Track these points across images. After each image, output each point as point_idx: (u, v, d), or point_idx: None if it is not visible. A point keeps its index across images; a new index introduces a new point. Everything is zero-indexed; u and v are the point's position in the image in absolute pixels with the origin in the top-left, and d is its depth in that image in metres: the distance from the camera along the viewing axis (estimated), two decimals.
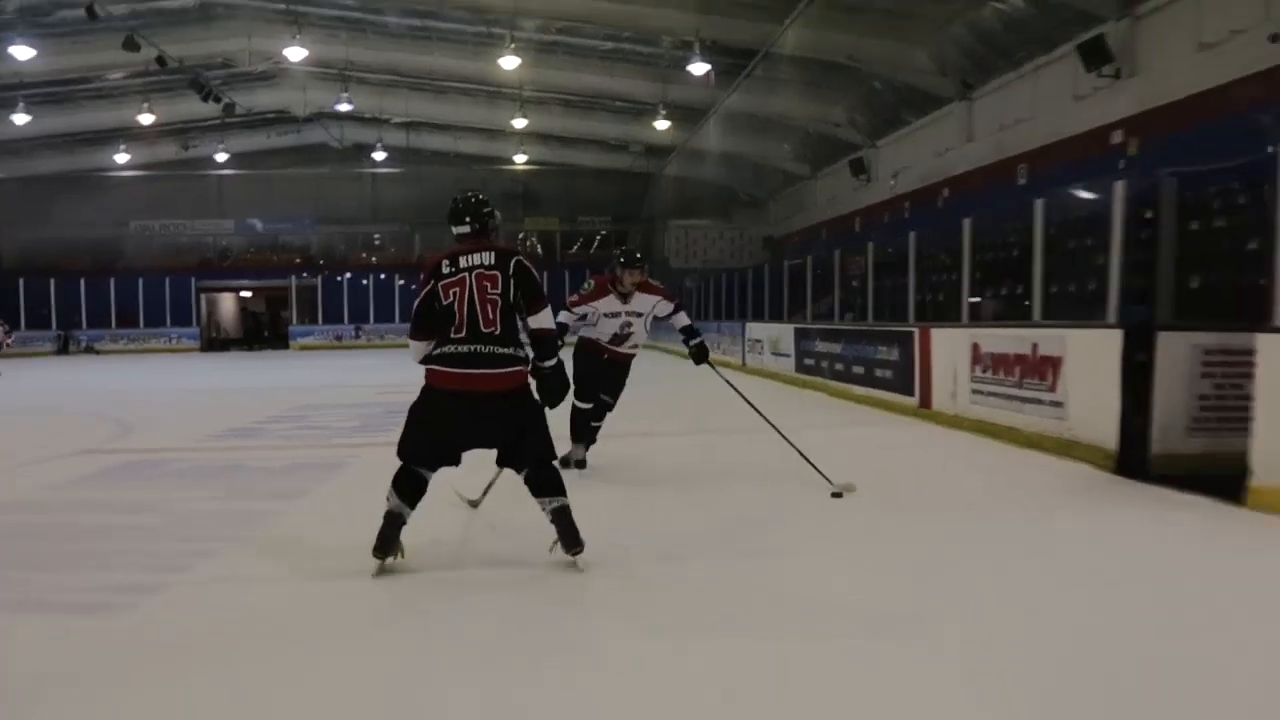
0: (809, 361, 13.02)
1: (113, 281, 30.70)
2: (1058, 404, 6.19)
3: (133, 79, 23.53)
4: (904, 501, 5.28)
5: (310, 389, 14.92)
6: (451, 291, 3.88)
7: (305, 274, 32.36)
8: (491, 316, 3.86)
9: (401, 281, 31.70)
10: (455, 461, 4.03)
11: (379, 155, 31.15)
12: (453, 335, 3.87)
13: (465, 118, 28.10)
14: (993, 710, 2.56)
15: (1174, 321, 5.64)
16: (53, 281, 30.16)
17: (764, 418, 5.89)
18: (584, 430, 6.10)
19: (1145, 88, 13.00)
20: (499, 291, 3.87)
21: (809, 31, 16.87)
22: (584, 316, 5.98)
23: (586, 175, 33.07)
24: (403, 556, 3.94)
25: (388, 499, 3.91)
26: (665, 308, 6.07)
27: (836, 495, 5.16)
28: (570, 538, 3.89)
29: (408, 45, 22.13)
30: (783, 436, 5.74)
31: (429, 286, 3.94)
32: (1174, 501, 5.00)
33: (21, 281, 30.00)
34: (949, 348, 8.00)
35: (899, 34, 16.68)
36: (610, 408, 6.27)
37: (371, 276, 32.64)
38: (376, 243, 36.14)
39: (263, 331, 35.51)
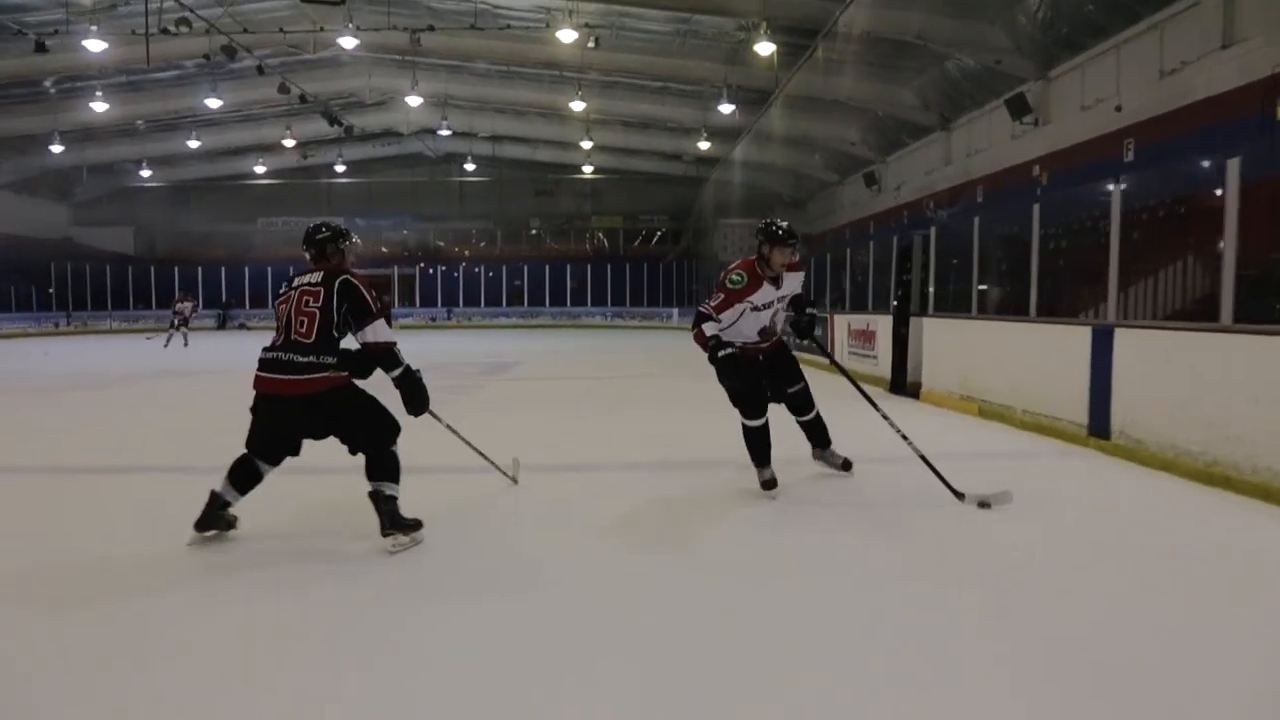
0: None
1: (246, 269, 36.55)
2: (874, 358, 10.83)
3: (277, 109, 28.95)
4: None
5: (434, 353, 19.72)
6: (281, 308, 4.19)
7: (403, 265, 37.84)
8: (306, 327, 4.07)
9: (491, 273, 36.89)
10: (294, 452, 4.36)
11: (469, 166, 36.36)
12: (271, 344, 4.16)
13: (541, 134, 33.00)
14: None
15: (924, 311, 10.20)
16: (200, 269, 36.12)
17: (889, 421, 5.42)
18: (760, 449, 5.28)
19: (1054, 134, 17.21)
20: (318, 305, 4.09)
21: (817, 77, 21.10)
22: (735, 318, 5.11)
23: (645, 180, 37.74)
24: (233, 528, 4.34)
25: (221, 480, 4.29)
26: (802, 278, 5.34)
27: (984, 505, 4.72)
28: (385, 520, 4.16)
29: (495, 82, 27.14)
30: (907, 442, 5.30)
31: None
32: (891, 398, 9.58)
33: (176, 269, 36.03)
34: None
35: (891, 79, 20.82)
36: (805, 392, 5.50)
37: (460, 266, 37.91)
38: (464, 237, 41.36)
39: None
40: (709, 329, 4.99)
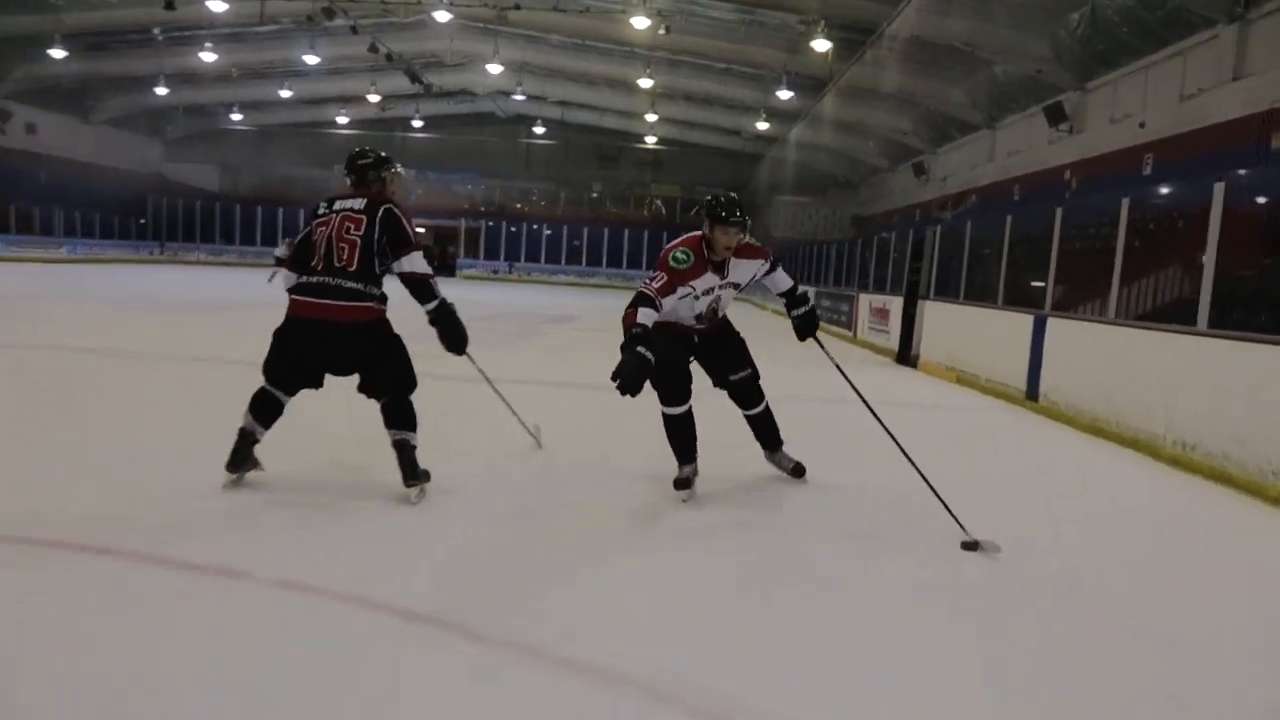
0: None
1: None
2: (886, 332, 12.55)
3: (362, 65, 30.91)
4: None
5: (499, 302, 21.79)
6: (319, 229, 4.08)
7: (469, 219, 39.91)
8: (348, 255, 4.01)
9: (549, 231, 38.79)
10: (316, 384, 4.23)
11: (539, 130, 38.17)
12: (310, 267, 4.08)
13: (608, 103, 34.61)
14: None
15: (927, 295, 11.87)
16: (280, 210, 38.45)
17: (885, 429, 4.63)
18: (681, 442, 4.65)
19: (1085, 142, 18.56)
20: (360, 233, 4.02)
21: (870, 71, 22.47)
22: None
23: (704, 153, 39.26)
24: (261, 469, 4.26)
25: (243, 417, 4.17)
26: (763, 268, 4.68)
27: (969, 547, 3.90)
28: (407, 471, 4.15)
29: (569, 53, 28.80)
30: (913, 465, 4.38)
31: (307, 226, 4.20)
32: (895, 367, 11.30)
33: (258, 208, 38.46)
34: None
35: (942, 77, 22.11)
36: (751, 382, 4.85)
37: (523, 224, 39.88)
38: (529, 196, 43.25)
39: (433, 261, 43.24)
40: (644, 316, 4.16)
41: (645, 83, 26.81)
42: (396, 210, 4.12)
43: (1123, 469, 6.05)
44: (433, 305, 4.22)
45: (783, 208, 36.89)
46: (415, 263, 4.11)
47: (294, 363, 4.15)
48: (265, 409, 4.19)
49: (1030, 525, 4.52)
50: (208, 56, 27.31)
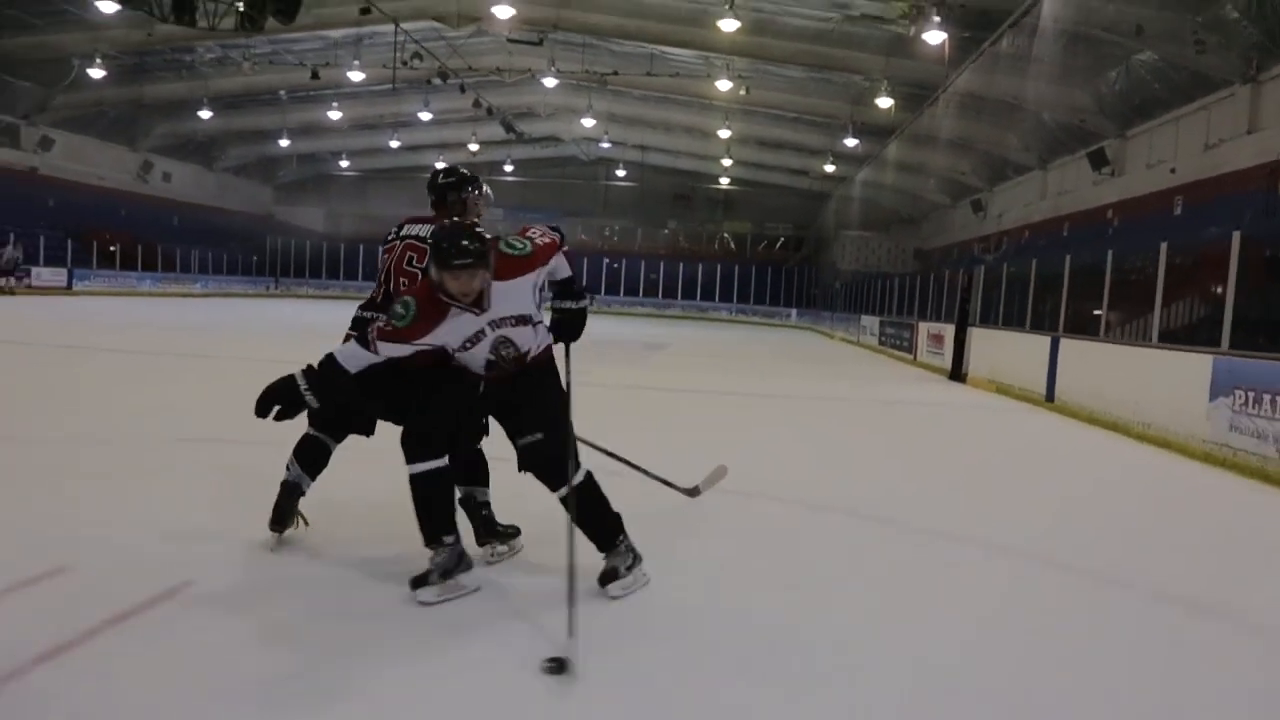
0: None
1: None
2: (941, 354, 14.86)
3: (462, 115, 34.15)
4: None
5: (596, 332, 24.44)
6: (384, 258, 3.67)
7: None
8: (407, 290, 3.41)
9: (629, 267, 41.58)
10: (367, 431, 3.71)
11: (620, 172, 41.12)
12: (369, 300, 3.66)
13: (684, 147, 37.42)
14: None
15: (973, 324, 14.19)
16: (380, 249, 41.68)
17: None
18: (430, 513, 3.28)
19: (1125, 185, 20.60)
20: (422, 264, 3.44)
21: (931, 121, 24.72)
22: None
23: (774, 191, 41.79)
24: (306, 525, 3.80)
25: (287, 469, 3.68)
26: (543, 270, 3.32)
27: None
28: (480, 526, 3.72)
29: (652, 104, 31.68)
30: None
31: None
32: (948, 383, 13.58)
33: (360, 247, 41.91)
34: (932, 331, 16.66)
35: (998, 125, 24.17)
36: (545, 449, 3.31)
37: (603, 259, 42.73)
38: (606, 233, 46.12)
39: None
40: (346, 355, 3.21)
41: (724, 133, 29.57)
42: None
43: (1104, 443, 8.40)
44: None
45: (848, 242, 38.99)
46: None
47: (344, 407, 3.47)
48: (312, 456, 3.72)
49: (1037, 480, 6.92)
50: (334, 114, 30.80)
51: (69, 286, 27.45)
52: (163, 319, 20.01)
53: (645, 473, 4.12)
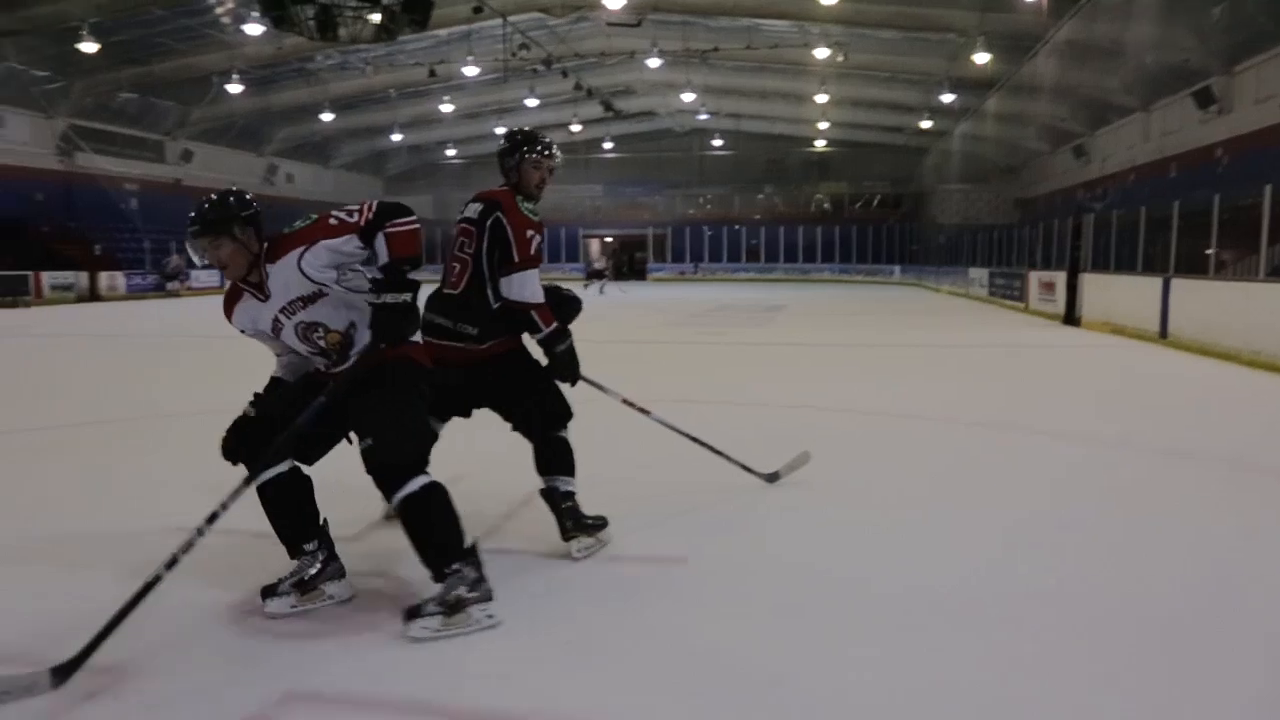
0: None
1: None
2: (1053, 301, 15.58)
3: (563, 97, 35.47)
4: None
5: (714, 299, 25.55)
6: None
7: (655, 226, 44.18)
8: (455, 279, 3.38)
9: (728, 233, 42.51)
10: (463, 413, 3.61)
11: (716, 142, 41.95)
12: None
13: (779, 113, 38.01)
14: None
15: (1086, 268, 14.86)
16: None
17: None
18: (280, 526, 3.05)
19: (1233, 122, 20.64)
20: (471, 251, 3.37)
21: (1029, 69, 24.97)
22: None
23: (869, 149, 42.04)
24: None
25: None
26: (325, 250, 2.82)
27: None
28: (565, 523, 3.47)
29: (746, 74, 32.45)
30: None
31: None
32: (1062, 327, 14.33)
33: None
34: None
35: (1099, 70, 24.19)
36: (372, 455, 2.85)
37: (702, 228, 43.79)
38: (701, 201, 47.04)
39: (622, 268, 47.65)
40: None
41: (820, 98, 30.17)
42: (506, 216, 3.36)
43: (1216, 370, 9.31)
44: (540, 336, 3.41)
45: (948, 196, 39.14)
46: (519, 288, 3.34)
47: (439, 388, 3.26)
48: None
49: (1159, 394, 7.90)
50: (445, 107, 32.53)
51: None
52: None
53: (724, 456, 4.27)
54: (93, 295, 24.98)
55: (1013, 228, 25.80)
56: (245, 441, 2.96)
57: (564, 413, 3.56)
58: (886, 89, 31.24)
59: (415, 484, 2.83)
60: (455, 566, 2.84)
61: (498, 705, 2.38)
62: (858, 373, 9.57)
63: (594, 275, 30.11)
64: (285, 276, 2.85)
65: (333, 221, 2.87)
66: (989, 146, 35.17)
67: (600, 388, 3.91)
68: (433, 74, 26.27)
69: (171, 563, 2.65)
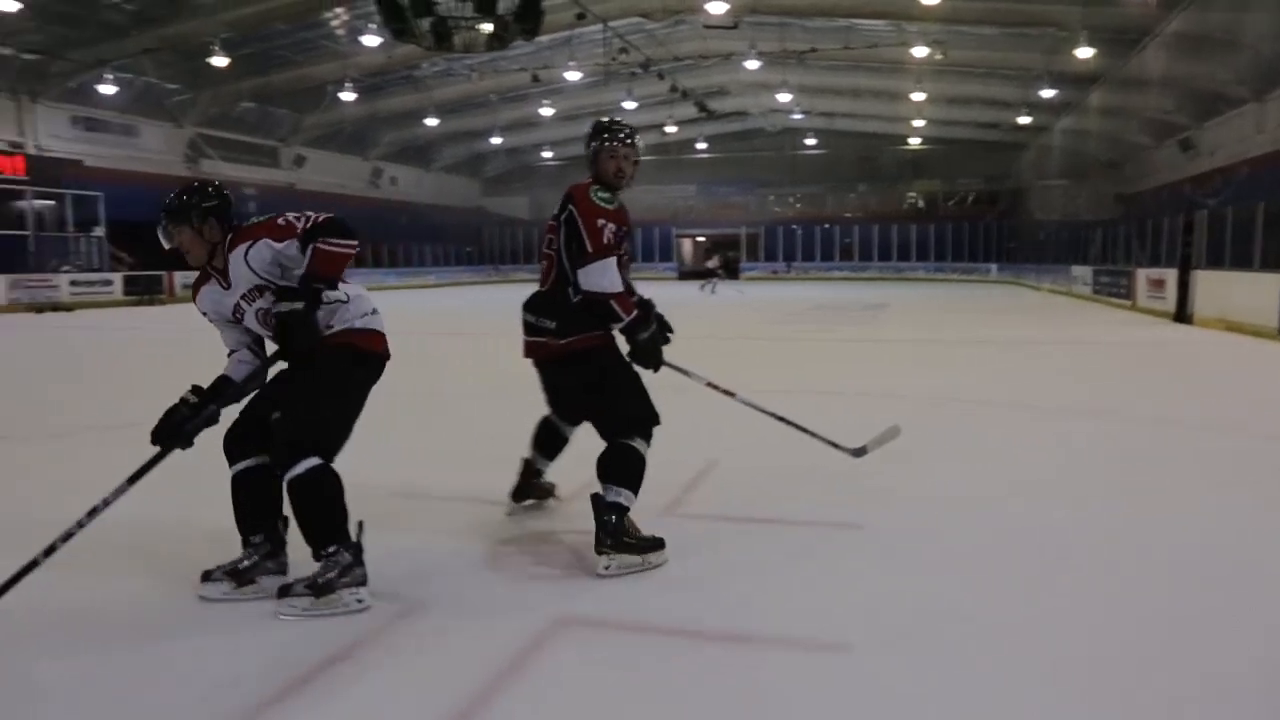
0: None
1: None
2: (1163, 298, 15.50)
3: (657, 98, 36.00)
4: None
5: (811, 299, 25.78)
6: None
7: (749, 225, 44.48)
8: (543, 276, 3.51)
9: (821, 232, 42.53)
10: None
11: (810, 141, 42.06)
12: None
13: (871, 110, 37.95)
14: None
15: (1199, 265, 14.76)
16: None
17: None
18: (239, 515, 3.21)
19: None
20: (555, 247, 3.43)
21: (1140, 63, 24.58)
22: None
23: (963, 146, 41.60)
24: (556, 498, 4.05)
25: (530, 448, 3.92)
26: (266, 248, 2.99)
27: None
28: (601, 535, 3.26)
29: (841, 73, 32.55)
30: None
31: None
32: (1173, 325, 14.28)
33: None
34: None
35: (1209, 61, 23.76)
36: (279, 432, 3.04)
37: (795, 227, 43.90)
38: (792, 200, 47.10)
39: (718, 269, 47.96)
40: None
41: (917, 96, 30.13)
42: (579, 205, 3.37)
43: None
44: (621, 325, 3.42)
45: (1046, 192, 38.46)
46: (594, 278, 3.34)
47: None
48: (547, 439, 3.88)
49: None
50: (545, 111, 33.48)
51: None
52: (436, 306, 23.00)
53: (810, 433, 4.20)
54: None
55: (1115, 224, 25.42)
56: (232, 439, 3.14)
57: (644, 418, 3.46)
58: (983, 85, 31.01)
59: (303, 465, 2.90)
60: (332, 549, 2.94)
61: (745, 628, 2.85)
62: (985, 367, 9.87)
63: (706, 274, 30.37)
64: (237, 268, 3.02)
65: (280, 222, 3.02)
66: (1090, 141, 34.50)
67: (685, 372, 3.85)
68: (535, 79, 27.13)
69: (49, 550, 2.84)
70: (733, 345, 11.99)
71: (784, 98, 32.04)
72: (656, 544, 3.38)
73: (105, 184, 25.36)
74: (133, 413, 4.28)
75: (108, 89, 25.56)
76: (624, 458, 3.38)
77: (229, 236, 3.07)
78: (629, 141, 3.51)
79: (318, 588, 2.92)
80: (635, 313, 3.42)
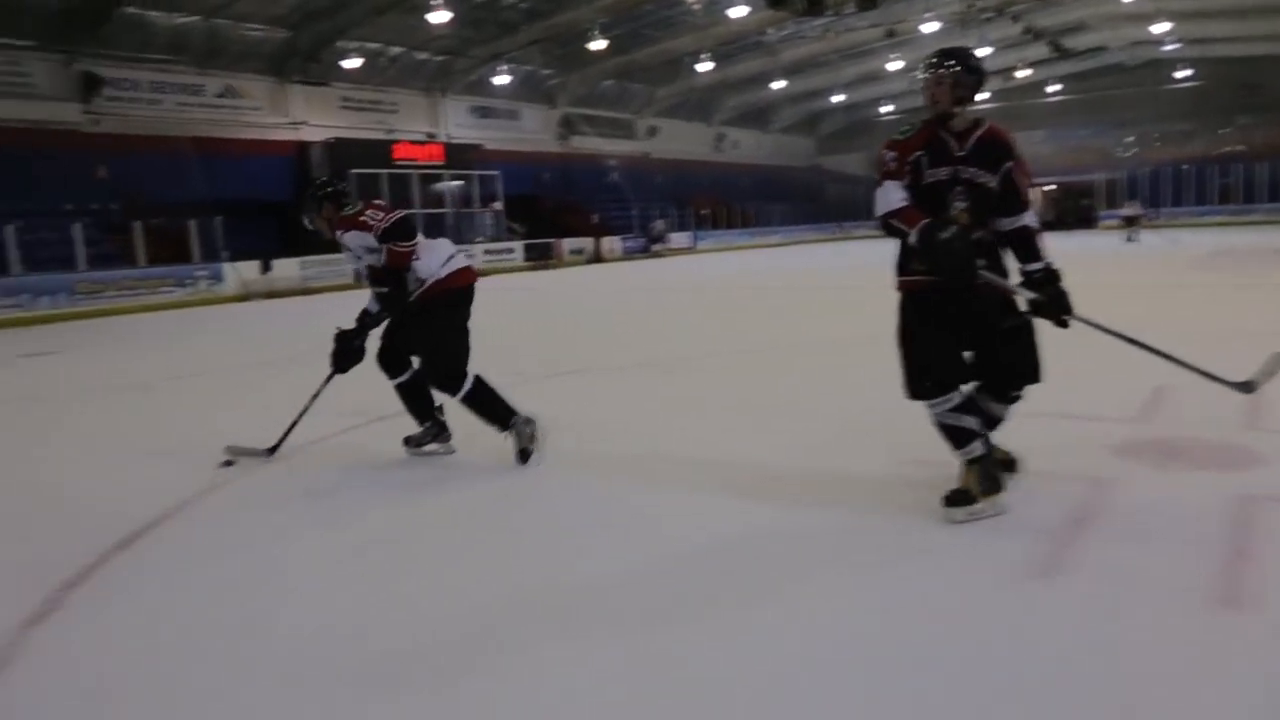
0: None
1: None
2: None
3: (1005, 43, 34.43)
4: None
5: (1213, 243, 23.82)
6: None
7: (1109, 170, 41.46)
8: None
9: (1194, 172, 38.75)
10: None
11: (1179, 74, 38.45)
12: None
13: (1257, 30, 33.76)
14: None
15: None
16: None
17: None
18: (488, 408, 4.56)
19: None
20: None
21: None
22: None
23: None
24: (1015, 470, 3.77)
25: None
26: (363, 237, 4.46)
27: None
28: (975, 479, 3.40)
29: None
30: None
31: None
32: None
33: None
34: None
35: None
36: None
37: (1163, 168, 40.20)
38: (1156, 139, 43.05)
39: (1068, 216, 45.02)
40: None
41: None
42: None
43: None
44: (912, 239, 3.40)
45: None
46: (876, 206, 3.57)
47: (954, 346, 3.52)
48: (976, 412, 3.52)
49: None
50: (892, 65, 33.35)
51: (693, 246, 33.65)
52: (790, 265, 24.05)
53: (1193, 369, 3.63)
54: (596, 258, 29.36)
55: None
56: (385, 362, 4.67)
57: (1025, 373, 3.58)
58: None
59: (462, 390, 4.46)
60: (510, 426, 4.52)
61: None
62: None
63: (1128, 221, 29.13)
64: (342, 241, 4.55)
65: (364, 218, 4.41)
66: None
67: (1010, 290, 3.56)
68: (891, 34, 27.13)
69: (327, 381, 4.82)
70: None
71: (1160, 28, 29.41)
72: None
73: (500, 164, 28.91)
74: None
75: (501, 79, 29.10)
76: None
77: (340, 217, 4.54)
78: (926, 70, 3.50)
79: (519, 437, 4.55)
80: (922, 221, 3.33)
